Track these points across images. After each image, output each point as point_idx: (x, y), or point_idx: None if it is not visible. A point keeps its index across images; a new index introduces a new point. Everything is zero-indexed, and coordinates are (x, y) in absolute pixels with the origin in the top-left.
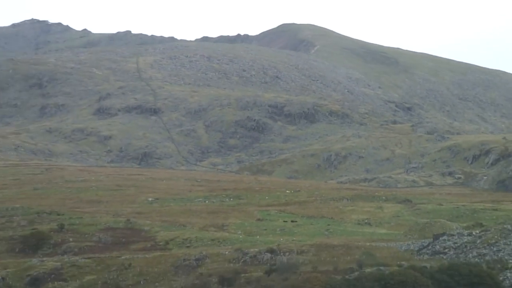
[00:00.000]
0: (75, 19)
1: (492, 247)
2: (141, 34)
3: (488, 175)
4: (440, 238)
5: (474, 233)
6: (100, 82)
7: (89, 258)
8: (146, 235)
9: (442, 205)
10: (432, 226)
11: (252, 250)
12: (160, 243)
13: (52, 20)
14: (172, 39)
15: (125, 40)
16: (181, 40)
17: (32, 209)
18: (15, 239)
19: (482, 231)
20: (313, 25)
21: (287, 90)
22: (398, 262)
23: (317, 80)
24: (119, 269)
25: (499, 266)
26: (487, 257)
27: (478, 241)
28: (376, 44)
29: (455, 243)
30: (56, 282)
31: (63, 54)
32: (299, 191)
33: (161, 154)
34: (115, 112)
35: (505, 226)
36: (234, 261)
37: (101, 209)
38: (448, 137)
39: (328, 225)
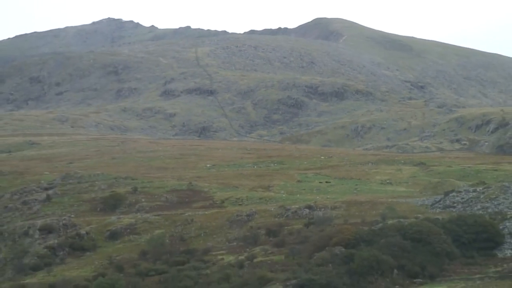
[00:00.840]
0: (144, 17)
1: (493, 201)
2: (199, 28)
3: (489, 141)
4: (450, 195)
5: (478, 189)
6: (165, 69)
7: (158, 215)
8: (205, 195)
9: (451, 167)
10: (443, 185)
11: (293, 206)
12: (217, 202)
13: (125, 18)
14: (224, 32)
15: (185, 33)
16: (232, 33)
17: (111, 175)
18: (96, 200)
19: (484, 188)
20: (342, 19)
21: (320, 73)
22: (415, 215)
23: (345, 64)
24: (183, 224)
25: (499, 217)
26: (489, 210)
27: (481, 197)
28: (394, 34)
29: (462, 198)
30: (131, 236)
31: (134, 46)
32: (331, 157)
33: (216, 128)
34: (178, 94)
35: (504, 183)
36: (278, 216)
37: (167, 174)
38: (455, 110)
39: (356, 185)
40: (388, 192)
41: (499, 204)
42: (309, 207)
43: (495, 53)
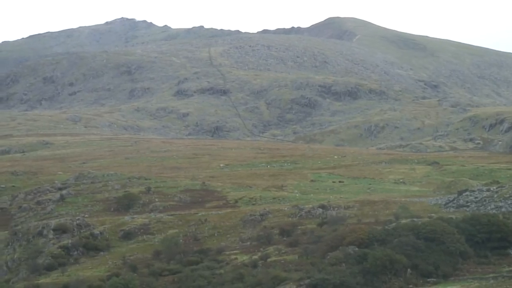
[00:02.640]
0: (158, 17)
1: (507, 200)
2: (212, 28)
3: (503, 140)
4: (463, 194)
5: (491, 189)
6: (178, 69)
7: (172, 215)
8: (218, 195)
9: (464, 166)
10: (456, 184)
11: (306, 206)
12: (231, 202)
13: (139, 18)
14: (237, 31)
15: (199, 33)
16: (245, 32)
17: (124, 175)
18: (110, 200)
19: (498, 187)
20: (355, 18)
21: (334, 73)
22: (429, 214)
23: (359, 64)
24: (197, 223)
25: None
26: (503, 209)
27: (495, 196)
28: (407, 33)
29: (476, 197)
30: (145, 235)
31: (148, 46)
32: (345, 156)
33: (230, 127)
34: (191, 93)
35: None
36: (292, 215)
37: (181, 174)
38: (469, 109)
39: (370, 184)
40: (401, 191)
41: None
42: (323, 207)
43: (509, 52)
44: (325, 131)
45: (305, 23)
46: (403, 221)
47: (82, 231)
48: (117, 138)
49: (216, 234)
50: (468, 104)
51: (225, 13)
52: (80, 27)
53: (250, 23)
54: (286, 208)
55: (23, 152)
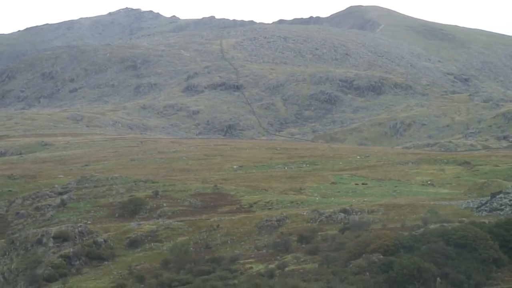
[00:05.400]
0: (165, 7)
1: None
2: (223, 18)
3: None
4: (497, 196)
5: None
6: (188, 63)
7: (181, 221)
8: (232, 199)
9: (498, 166)
10: (489, 186)
11: (327, 210)
12: (245, 206)
13: (144, 8)
14: (251, 22)
15: (209, 24)
16: (259, 23)
17: (130, 178)
18: (115, 205)
19: None
20: (378, 7)
21: (356, 66)
22: (460, 219)
23: (383, 56)
24: (209, 230)
25: None
26: None
27: None
28: (435, 22)
29: (510, 200)
30: (152, 243)
31: (154, 39)
32: (368, 156)
33: (243, 126)
34: (202, 89)
35: None
36: (311, 220)
37: (191, 177)
38: (502, 105)
39: (395, 186)
40: (430, 194)
41: None
42: (345, 211)
43: None
44: (346, 129)
45: (325, 13)
46: (432, 226)
47: (84, 239)
48: (122, 138)
49: (229, 242)
50: (502, 99)
51: (237, 3)
52: (81, 18)
53: (265, 13)
54: (305, 213)
55: (21, 154)
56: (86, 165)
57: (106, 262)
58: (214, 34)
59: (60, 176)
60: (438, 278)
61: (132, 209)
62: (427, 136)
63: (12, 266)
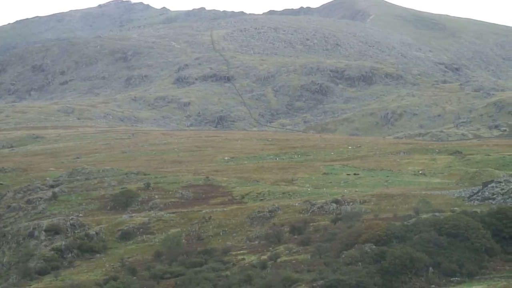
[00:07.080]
0: None
1: None
2: (214, 9)
3: None
4: (489, 185)
5: None
6: (178, 54)
7: (173, 212)
8: (223, 190)
9: (489, 155)
10: (481, 175)
11: (319, 201)
12: (237, 198)
13: (134, 0)
14: (242, 13)
15: (200, 15)
16: (250, 14)
17: (121, 171)
18: (106, 198)
19: None
20: None
21: (347, 56)
22: (451, 208)
23: (373, 46)
24: (201, 221)
25: None
26: None
27: None
28: (426, 12)
29: (502, 189)
30: (144, 235)
31: (144, 30)
32: (360, 146)
33: (235, 117)
34: (193, 81)
35: None
36: (303, 211)
37: (182, 169)
38: (493, 94)
39: (387, 176)
40: (421, 184)
41: None
42: (336, 202)
43: None
44: (338, 119)
45: (315, 3)
46: (424, 216)
47: (76, 231)
48: (113, 130)
49: (221, 233)
50: (493, 88)
51: None
52: (71, 10)
53: (255, 4)
54: (297, 204)
55: (11, 147)
56: (78, 158)
57: (98, 255)
58: (205, 25)
59: (51, 169)
60: (430, 268)
61: (123, 201)
62: (418, 126)
63: (4, 260)
